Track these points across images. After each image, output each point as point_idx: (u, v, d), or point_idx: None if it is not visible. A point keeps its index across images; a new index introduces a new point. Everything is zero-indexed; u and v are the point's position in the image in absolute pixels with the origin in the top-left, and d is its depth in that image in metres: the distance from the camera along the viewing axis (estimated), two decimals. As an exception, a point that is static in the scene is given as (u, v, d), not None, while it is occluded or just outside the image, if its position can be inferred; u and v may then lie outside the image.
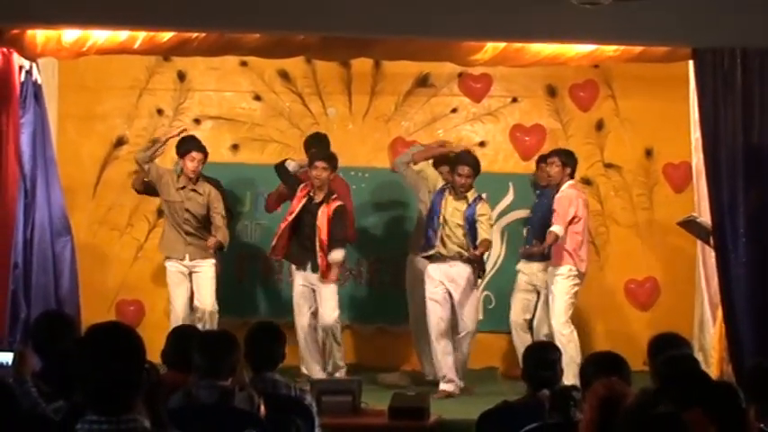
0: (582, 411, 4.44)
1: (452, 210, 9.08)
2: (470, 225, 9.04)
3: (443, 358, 9.06)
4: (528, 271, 9.50)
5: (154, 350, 5.06)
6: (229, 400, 5.26)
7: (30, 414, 3.99)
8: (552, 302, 9.10)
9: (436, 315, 9.08)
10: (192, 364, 5.39)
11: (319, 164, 9.04)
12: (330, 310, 9.10)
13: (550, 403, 5.09)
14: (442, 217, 9.07)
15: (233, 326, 9.06)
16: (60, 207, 8.73)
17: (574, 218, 9.05)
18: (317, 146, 9.48)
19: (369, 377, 9.24)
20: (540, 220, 9.43)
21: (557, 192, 9.14)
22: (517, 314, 9.51)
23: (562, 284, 9.06)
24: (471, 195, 9.12)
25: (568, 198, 9.09)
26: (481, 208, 9.09)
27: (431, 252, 9.12)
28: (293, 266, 9.39)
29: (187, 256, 9.20)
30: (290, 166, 9.47)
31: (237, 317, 10.11)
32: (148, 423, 3.68)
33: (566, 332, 8.95)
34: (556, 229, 8.92)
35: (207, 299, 9.19)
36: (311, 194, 9.10)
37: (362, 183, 10.55)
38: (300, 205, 9.11)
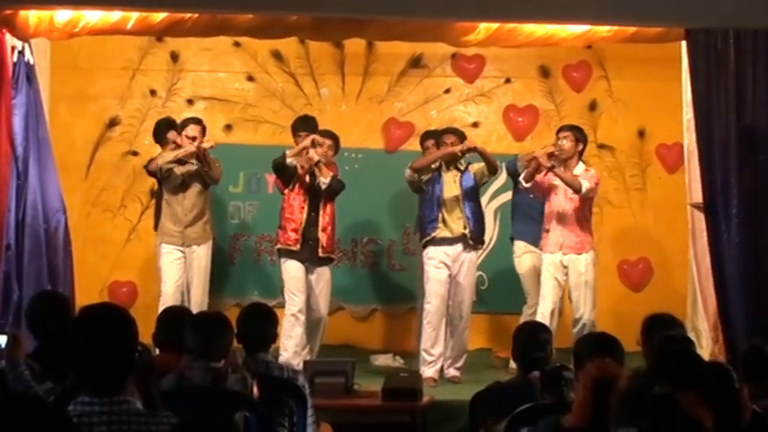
0: (575, 392, 4.45)
1: (449, 185, 8.93)
2: (468, 191, 8.94)
3: (438, 340, 8.90)
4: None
5: (147, 332, 5.09)
6: (222, 382, 5.27)
7: (22, 397, 3.97)
8: (586, 292, 8.73)
9: (438, 296, 8.89)
10: (185, 345, 5.40)
11: (327, 141, 9.00)
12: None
13: (541, 384, 5.10)
14: (441, 199, 8.89)
15: (225, 307, 9.12)
16: (55, 187, 8.70)
17: (591, 198, 8.91)
18: (307, 128, 9.17)
19: (362, 358, 9.24)
20: (527, 200, 9.32)
21: (564, 167, 8.80)
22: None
23: (593, 272, 8.78)
24: (461, 165, 9.02)
25: (595, 177, 8.93)
26: (474, 167, 8.98)
27: (433, 235, 8.90)
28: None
29: (183, 241, 9.20)
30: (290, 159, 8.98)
31: (230, 298, 10.16)
32: (141, 405, 3.70)
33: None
34: (585, 183, 8.69)
35: (199, 286, 9.16)
36: (315, 174, 8.91)
37: (355, 164, 10.53)
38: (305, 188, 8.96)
